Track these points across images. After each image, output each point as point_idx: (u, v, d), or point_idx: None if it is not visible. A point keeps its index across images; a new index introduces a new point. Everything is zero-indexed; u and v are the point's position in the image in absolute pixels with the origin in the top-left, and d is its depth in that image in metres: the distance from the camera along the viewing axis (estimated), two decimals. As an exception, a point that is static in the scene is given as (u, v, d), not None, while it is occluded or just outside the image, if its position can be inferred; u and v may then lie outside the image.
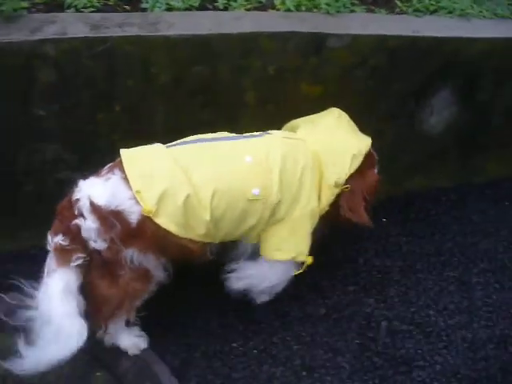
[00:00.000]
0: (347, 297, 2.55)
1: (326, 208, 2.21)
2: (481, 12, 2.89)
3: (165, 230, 1.91)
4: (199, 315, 2.39)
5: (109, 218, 1.87)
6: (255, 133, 2.22)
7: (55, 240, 1.89)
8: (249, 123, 2.40)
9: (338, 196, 2.23)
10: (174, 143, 2.09)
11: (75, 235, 1.88)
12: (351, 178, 2.21)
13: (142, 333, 2.20)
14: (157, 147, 2.04)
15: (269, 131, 2.24)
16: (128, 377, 2.12)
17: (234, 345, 2.32)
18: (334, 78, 2.55)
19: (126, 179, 1.91)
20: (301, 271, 2.19)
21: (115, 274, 1.94)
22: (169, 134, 2.22)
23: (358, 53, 2.53)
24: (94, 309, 1.98)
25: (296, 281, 2.30)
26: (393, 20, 2.68)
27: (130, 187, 1.89)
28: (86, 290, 1.96)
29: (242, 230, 2.09)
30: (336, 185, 2.17)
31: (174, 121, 2.44)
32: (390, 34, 2.57)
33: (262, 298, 2.36)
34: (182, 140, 2.12)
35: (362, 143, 2.25)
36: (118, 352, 2.16)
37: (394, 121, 2.78)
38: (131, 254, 1.91)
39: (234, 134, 2.19)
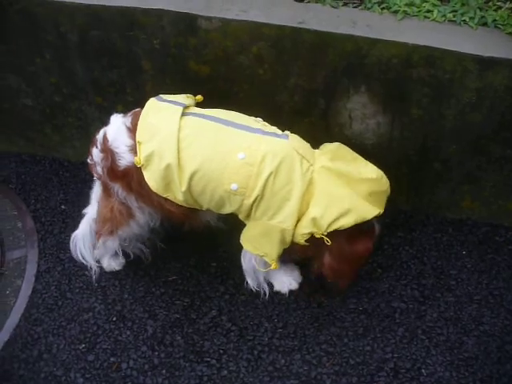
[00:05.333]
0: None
1: (300, 240, 2.17)
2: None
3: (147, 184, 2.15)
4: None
5: (107, 152, 2.19)
6: (277, 131, 2.21)
7: (88, 158, 2.33)
8: (154, 90, 2.51)
9: (317, 244, 2.17)
10: (196, 111, 2.21)
11: (92, 158, 2.28)
12: (340, 236, 2.14)
13: (123, 260, 2.62)
14: (176, 109, 2.16)
15: (291, 135, 2.20)
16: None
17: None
18: (220, 60, 2.46)
19: (131, 129, 2.16)
20: (264, 270, 2.30)
21: (110, 200, 2.32)
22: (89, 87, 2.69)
23: (234, 38, 2.38)
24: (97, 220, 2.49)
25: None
26: (279, 7, 2.38)
27: (130, 137, 2.15)
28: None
29: (224, 211, 2.23)
30: (314, 222, 2.10)
31: (90, 77, 2.69)
32: (268, 23, 2.32)
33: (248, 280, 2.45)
34: (208, 111, 2.21)
35: (367, 209, 2.11)
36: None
37: (301, 118, 2.54)
38: (116, 188, 2.24)
39: (257, 125, 2.19)
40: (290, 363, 2.31)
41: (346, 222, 2.08)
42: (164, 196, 2.16)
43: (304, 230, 2.13)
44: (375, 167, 2.20)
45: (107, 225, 2.37)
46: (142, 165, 2.11)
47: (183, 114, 2.14)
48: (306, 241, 2.15)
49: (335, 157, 2.19)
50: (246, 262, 2.36)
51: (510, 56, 2.19)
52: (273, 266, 2.24)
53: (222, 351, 2.36)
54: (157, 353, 2.37)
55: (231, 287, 2.53)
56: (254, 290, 2.42)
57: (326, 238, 2.11)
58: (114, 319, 2.47)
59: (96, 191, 2.44)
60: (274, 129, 2.22)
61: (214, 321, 2.45)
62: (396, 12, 2.32)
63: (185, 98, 2.24)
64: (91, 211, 2.49)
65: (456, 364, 2.30)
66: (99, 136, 2.24)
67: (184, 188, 2.11)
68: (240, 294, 2.50)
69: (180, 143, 2.09)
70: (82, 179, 2.95)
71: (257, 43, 2.35)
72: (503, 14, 2.28)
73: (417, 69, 2.25)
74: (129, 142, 2.16)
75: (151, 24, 2.43)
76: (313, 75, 2.37)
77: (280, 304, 2.46)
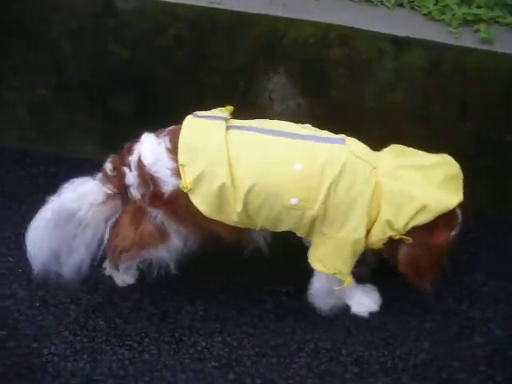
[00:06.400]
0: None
1: (377, 246, 2.09)
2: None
3: (196, 208, 1.98)
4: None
5: (147, 178, 2.00)
6: (331, 135, 2.11)
7: (107, 165, 2.13)
8: (76, 73, 2.53)
9: (395, 244, 2.07)
10: (239, 124, 2.09)
11: (120, 177, 2.08)
12: (416, 232, 2.01)
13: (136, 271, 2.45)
14: (218, 124, 2.03)
15: (348, 139, 2.10)
16: None
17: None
18: (139, 42, 2.44)
19: (171, 151, 1.99)
20: (339, 288, 2.15)
21: (139, 220, 2.12)
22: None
23: (152, 19, 2.35)
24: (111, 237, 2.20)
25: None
26: None
27: (172, 158, 1.98)
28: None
29: (280, 228, 2.09)
30: (389, 225, 2.00)
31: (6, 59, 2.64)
32: (182, 3, 2.30)
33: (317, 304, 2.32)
34: (250, 123, 2.11)
35: (445, 200, 1.98)
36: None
37: (222, 100, 2.51)
38: (156, 214, 2.07)
39: (308, 132, 2.09)
40: (211, 345, 2.31)
41: (425, 218, 1.96)
42: (217, 219, 2.00)
43: (381, 236, 2.03)
44: (437, 154, 2.10)
45: (129, 244, 2.18)
46: (190, 189, 1.95)
47: (227, 128, 2.01)
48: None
49: (397, 154, 2.11)
50: (319, 284, 2.21)
51: (425, 36, 2.19)
52: (348, 282, 2.10)
53: (143, 334, 2.35)
54: (79, 337, 2.34)
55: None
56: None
57: (405, 237, 2.00)
58: (37, 305, 2.44)
59: (92, 190, 2.14)
60: (327, 133, 2.10)
61: (136, 304, 2.43)
62: (313, -8, 2.29)
63: (220, 112, 2.11)
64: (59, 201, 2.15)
65: (376, 343, 2.31)
66: (133, 158, 2.05)
67: (240, 209, 1.96)
68: (162, 277, 2.48)
69: (230, 160, 1.94)
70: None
71: (174, 24, 2.32)
72: (420, -6, 2.27)
73: (332, 48, 2.24)
74: (171, 164, 1.98)
75: (68, 4, 2.38)
76: (231, 56, 2.37)
77: (202, 288, 2.44)
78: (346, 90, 2.34)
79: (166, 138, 2.03)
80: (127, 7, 2.32)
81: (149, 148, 2.03)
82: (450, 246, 2.10)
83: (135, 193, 2.06)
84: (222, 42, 2.32)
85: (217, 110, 2.11)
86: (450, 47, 2.18)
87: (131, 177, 2.05)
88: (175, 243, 2.15)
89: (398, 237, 2.00)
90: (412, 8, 2.28)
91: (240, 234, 2.12)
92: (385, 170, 2.03)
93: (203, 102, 2.37)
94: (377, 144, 2.44)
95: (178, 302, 2.44)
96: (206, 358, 2.28)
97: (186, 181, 1.93)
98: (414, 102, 2.31)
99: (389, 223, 1.99)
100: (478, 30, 2.19)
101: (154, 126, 2.52)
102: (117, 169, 2.09)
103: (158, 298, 2.45)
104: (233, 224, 2.02)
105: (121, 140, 2.61)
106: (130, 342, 2.33)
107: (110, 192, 2.11)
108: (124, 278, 2.43)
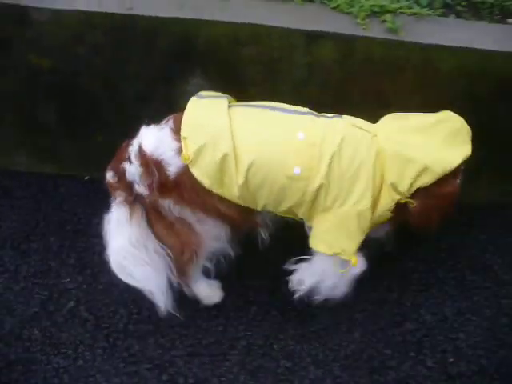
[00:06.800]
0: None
1: (386, 214, 2.06)
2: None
3: (200, 185, 1.95)
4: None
5: (151, 165, 1.95)
6: (327, 114, 2.11)
7: (108, 175, 2.06)
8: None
9: (403, 207, 2.05)
10: (240, 103, 2.11)
11: (121, 176, 2.02)
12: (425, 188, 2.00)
13: (219, 285, 2.39)
14: (221, 101, 2.04)
15: (343, 116, 2.11)
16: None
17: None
18: (59, 52, 2.45)
19: (175, 131, 1.96)
20: (344, 271, 2.06)
21: (166, 222, 2.05)
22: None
23: (68, 29, 2.37)
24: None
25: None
26: None
27: (176, 139, 1.94)
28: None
29: (283, 206, 2.04)
30: (395, 189, 2.00)
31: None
32: (99, 11, 2.32)
33: (319, 299, 2.22)
34: (252, 103, 2.11)
35: (448, 158, 1.98)
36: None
37: (147, 105, 2.54)
38: (168, 204, 2.00)
39: (304, 109, 2.09)
40: (144, 347, 2.33)
41: (429, 178, 1.97)
42: (218, 192, 1.96)
43: (389, 202, 2.01)
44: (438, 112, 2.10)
45: (184, 251, 2.11)
46: (191, 161, 1.91)
47: (229, 106, 2.01)
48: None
49: (394, 119, 2.12)
50: (321, 268, 2.12)
51: (334, 29, 2.21)
52: (353, 263, 2.02)
53: (78, 341, 2.36)
54: (13, 348, 2.35)
55: (89, 277, 2.53)
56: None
57: (410, 201, 2.00)
58: (-28, 319, 2.45)
59: (117, 219, 2.09)
60: (324, 114, 2.10)
61: (71, 312, 2.44)
62: (224, -8, 2.32)
63: (222, 94, 2.12)
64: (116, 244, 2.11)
65: (307, 336, 2.33)
66: (133, 148, 2.00)
67: (241, 181, 1.93)
68: (97, 283, 2.50)
69: (233, 133, 1.93)
70: None
71: (91, 32, 2.33)
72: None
73: (245, 47, 2.26)
74: (175, 144, 1.94)
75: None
76: (150, 61, 2.38)
77: (135, 290, 2.45)
78: (264, 86, 2.36)
79: (169, 122, 2.00)
80: (43, 18, 2.34)
81: (150, 135, 1.99)
82: (457, 192, 2.08)
83: (140, 188, 2.00)
84: (139, 48, 2.34)
85: (219, 93, 2.12)
86: (359, 38, 2.20)
87: (133, 169, 1.99)
88: (208, 231, 2.08)
89: (403, 201, 2.00)
90: (322, 2, 2.30)
91: (244, 216, 2.06)
92: (385, 136, 2.02)
93: (126, 108, 2.40)
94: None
95: (112, 306, 2.45)
96: (140, 361, 2.30)
97: (188, 152, 1.90)
98: (330, 94, 2.32)
99: (393, 185, 1.98)
100: (384, 21, 2.21)
101: (82, 135, 2.57)
102: (117, 170, 2.04)
103: (93, 304, 2.47)
104: (235, 200, 1.98)
105: (51, 150, 2.65)
106: (64, 350, 2.35)
107: (127, 199, 2.04)
108: (209, 293, 2.36)
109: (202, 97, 2.06)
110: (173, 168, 1.94)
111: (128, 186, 2.01)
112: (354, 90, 2.32)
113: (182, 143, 1.91)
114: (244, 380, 2.23)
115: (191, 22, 2.25)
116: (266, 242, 2.24)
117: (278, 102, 2.09)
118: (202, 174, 1.92)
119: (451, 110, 2.12)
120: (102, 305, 2.47)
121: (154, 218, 2.05)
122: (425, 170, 1.95)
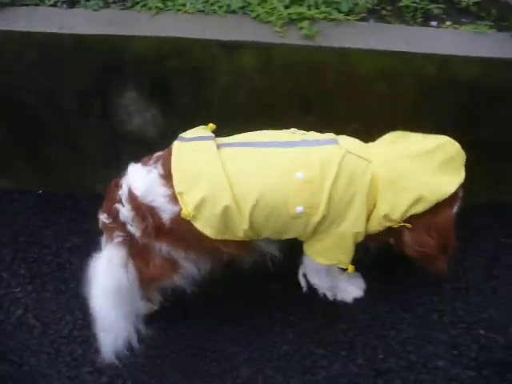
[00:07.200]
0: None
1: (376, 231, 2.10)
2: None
3: (200, 232, 1.95)
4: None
5: (143, 210, 1.94)
6: (322, 137, 2.11)
7: (101, 218, 2.07)
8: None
9: (398, 231, 2.09)
10: (228, 141, 2.07)
11: (115, 217, 2.02)
12: (417, 215, 2.02)
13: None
14: (209, 145, 2.00)
15: (337, 136, 2.13)
16: None
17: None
18: (9, 71, 2.55)
19: (165, 177, 1.95)
20: (341, 276, 2.25)
21: (148, 258, 2.05)
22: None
23: (6, 48, 2.48)
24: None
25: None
26: (43, 14, 2.49)
27: (166, 185, 1.94)
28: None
29: (285, 237, 2.09)
30: (387, 219, 2.03)
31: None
32: (34, 31, 2.42)
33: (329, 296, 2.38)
34: (238, 138, 2.09)
35: (442, 186, 2.00)
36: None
37: (85, 119, 2.65)
38: (160, 246, 2.01)
39: (296, 137, 2.08)
40: (86, 352, 2.40)
41: (423, 207, 1.99)
42: (222, 238, 1.97)
43: (378, 227, 2.06)
44: (436, 135, 2.10)
45: (146, 280, 2.12)
46: (193, 216, 1.91)
47: (217, 147, 1.98)
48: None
49: (390, 143, 2.13)
50: (317, 276, 2.27)
51: (252, 39, 2.29)
52: (350, 270, 2.12)
53: (24, 348, 2.45)
54: (-41, 358, 2.45)
55: (38, 286, 2.62)
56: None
57: (405, 224, 2.02)
58: None
59: (109, 259, 2.06)
60: (314, 134, 2.12)
61: (19, 319, 2.54)
62: (151, 9, 2.41)
63: (204, 131, 2.08)
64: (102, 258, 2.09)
65: (241, 338, 2.38)
66: (123, 191, 1.99)
67: (246, 226, 1.94)
68: (46, 291, 2.60)
69: (230, 180, 1.92)
70: None
71: (28, 51, 2.44)
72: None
73: (170, 60, 2.35)
74: (166, 191, 1.94)
75: None
76: (83, 77, 2.48)
77: (80, 296, 2.54)
78: (193, 97, 2.44)
79: (157, 165, 1.98)
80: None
81: (138, 178, 1.98)
82: (452, 221, 2.07)
83: (132, 229, 2.00)
84: (72, 65, 2.44)
85: (199, 128, 2.09)
86: (276, 46, 2.27)
87: (125, 212, 1.98)
88: (189, 268, 2.10)
89: (397, 225, 2.03)
90: (244, 13, 2.38)
91: (246, 247, 2.08)
92: (380, 162, 2.04)
93: (69, 122, 2.50)
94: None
95: (59, 312, 2.54)
96: (81, 365, 2.39)
97: (188, 208, 1.90)
98: (255, 101, 2.39)
99: (386, 217, 2.01)
100: (301, 28, 2.28)
101: (32, 151, 2.68)
102: (110, 212, 2.04)
103: (41, 311, 2.56)
104: (238, 239, 2.00)
105: (6, 166, 2.76)
106: (11, 357, 2.44)
107: (123, 239, 2.04)
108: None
109: (185, 139, 2.03)
110: (167, 215, 1.94)
111: (124, 226, 2.01)
112: (277, 96, 2.37)
113: (179, 199, 1.90)
114: (176, 380, 2.28)
115: (117, 38, 2.34)
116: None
117: (266, 132, 2.10)
118: (205, 225, 1.92)
119: (375, 111, 2.22)
120: (49, 312, 2.56)
121: (139, 255, 2.05)
122: (419, 199, 1.97)
